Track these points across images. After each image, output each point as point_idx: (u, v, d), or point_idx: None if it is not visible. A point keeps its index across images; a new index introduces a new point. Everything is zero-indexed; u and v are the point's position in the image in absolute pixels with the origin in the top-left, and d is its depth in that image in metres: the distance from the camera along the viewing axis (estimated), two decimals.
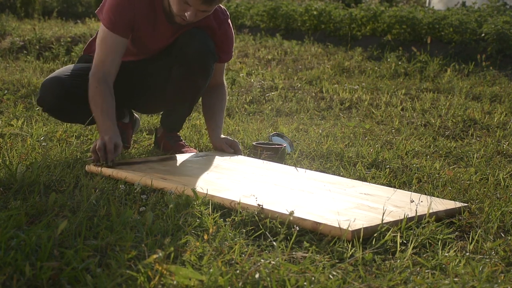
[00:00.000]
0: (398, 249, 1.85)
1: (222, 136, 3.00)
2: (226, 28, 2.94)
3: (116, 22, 2.72)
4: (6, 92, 4.42)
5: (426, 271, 1.72)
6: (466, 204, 2.28)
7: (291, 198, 2.23)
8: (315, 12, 9.11)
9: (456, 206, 2.23)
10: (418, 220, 2.07)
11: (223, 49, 2.96)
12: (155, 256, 1.54)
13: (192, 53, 2.81)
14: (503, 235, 2.05)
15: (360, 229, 1.89)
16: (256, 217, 2.00)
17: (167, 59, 2.91)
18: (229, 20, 2.96)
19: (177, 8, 2.64)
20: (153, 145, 3.20)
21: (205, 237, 1.79)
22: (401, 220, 2.01)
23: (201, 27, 2.85)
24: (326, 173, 2.71)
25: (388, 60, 6.74)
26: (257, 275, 1.56)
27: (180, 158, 2.80)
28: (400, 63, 6.59)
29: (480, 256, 1.84)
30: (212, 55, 2.87)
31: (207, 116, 3.06)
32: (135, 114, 3.31)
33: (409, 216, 2.05)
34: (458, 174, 2.82)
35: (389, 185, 2.62)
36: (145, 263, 1.56)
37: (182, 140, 3.12)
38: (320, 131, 3.69)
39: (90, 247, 1.69)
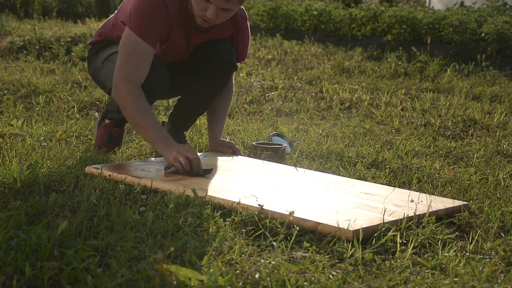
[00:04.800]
0: (398, 249, 1.85)
1: (222, 138, 3.00)
2: (245, 31, 2.92)
3: (149, 30, 2.60)
4: (6, 92, 4.42)
5: (426, 271, 1.72)
6: (466, 203, 2.28)
7: (291, 198, 2.23)
8: (315, 12, 9.11)
9: (456, 205, 2.23)
10: (418, 219, 2.07)
11: (240, 52, 2.95)
12: (155, 256, 1.54)
13: (219, 65, 2.81)
14: (503, 235, 2.05)
15: (361, 228, 1.89)
16: (256, 217, 2.00)
17: (190, 63, 2.87)
18: (247, 22, 2.93)
19: (197, 7, 2.57)
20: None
21: (205, 237, 1.79)
22: (401, 220, 2.01)
23: (221, 37, 2.84)
24: (326, 173, 2.71)
25: (388, 60, 6.74)
26: (257, 275, 1.56)
27: None
28: (400, 63, 6.59)
29: (480, 256, 1.84)
30: (235, 67, 2.88)
31: (209, 115, 3.05)
32: None
33: (409, 215, 2.05)
34: (458, 174, 2.82)
35: (389, 185, 2.62)
36: (145, 263, 1.56)
37: (187, 141, 3.13)
38: (320, 131, 3.69)
39: (90, 247, 1.69)
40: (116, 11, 2.90)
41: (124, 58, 2.61)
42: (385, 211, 2.05)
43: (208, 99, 2.96)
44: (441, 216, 2.17)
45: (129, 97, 2.58)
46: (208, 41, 2.82)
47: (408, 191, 2.40)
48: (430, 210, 2.12)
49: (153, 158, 2.80)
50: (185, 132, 3.21)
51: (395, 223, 2.00)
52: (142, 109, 2.57)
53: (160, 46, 2.75)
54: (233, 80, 3.12)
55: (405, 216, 2.03)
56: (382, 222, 1.97)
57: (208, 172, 2.50)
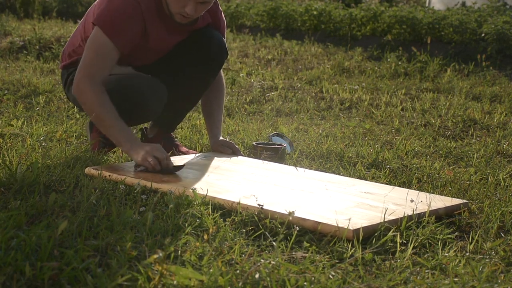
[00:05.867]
0: (398, 249, 1.85)
1: (221, 138, 2.98)
2: (220, 17, 2.92)
3: (121, 31, 2.57)
4: (6, 92, 4.42)
5: (426, 271, 1.72)
6: (466, 201, 2.28)
7: (291, 198, 2.24)
8: (315, 12, 9.11)
9: (455, 203, 2.23)
10: (418, 218, 2.07)
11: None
12: (155, 256, 1.54)
13: (213, 53, 2.81)
14: (503, 235, 2.05)
15: (361, 228, 1.89)
16: (256, 217, 2.00)
17: (173, 62, 2.86)
18: (220, 7, 2.92)
19: (175, 5, 2.57)
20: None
21: (205, 237, 1.79)
22: (401, 219, 2.01)
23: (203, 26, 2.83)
24: (326, 173, 2.71)
25: (388, 60, 6.74)
26: (257, 275, 1.56)
27: (180, 159, 2.80)
28: (400, 63, 6.59)
29: (480, 256, 1.84)
30: (226, 54, 2.89)
31: (206, 116, 3.03)
32: None
33: (409, 214, 2.05)
34: (458, 174, 2.82)
35: (389, 185, 2.62)
36: (145, 263, 1.56)
37: (176, 140, 3.10)
38: (320, 131, 3.69)
39: (90, 247, 1.69)
40: (79, 26, 2.82)
41: (90, 57, 2.57)
42: (386, 210, 2.05)
43: (199, 91, 2.94)
44: (441, 215, 2.17)
45: (93, 97, 2.55)
46: (194, 32, 2.81)
47: (407, 190, 2.40)
48: (430, 209, 2.12)
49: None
50: (184, 133, 3.21)
51: (395, 222, 2.00)
52: (107, 108, 2.54)
53: (141, 49, 2.71)
54: (222, 74, 3.10)
55: (405, 215, 2.03)
56: (382, 221, 1.97)
57: (178, 169, 2.50)
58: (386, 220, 1.98)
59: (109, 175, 2.42)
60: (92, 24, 2.62)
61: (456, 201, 2.26)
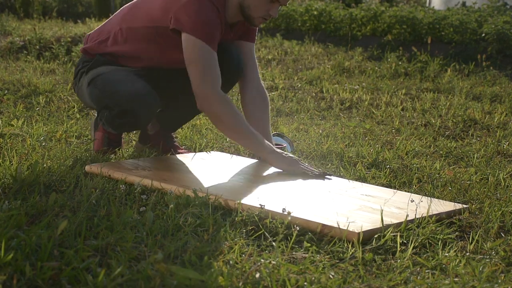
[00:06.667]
0: (398, 249, 1.85)
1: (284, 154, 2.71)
2: None
3: (215, 40, 2.58)
4: (6, 92, 4.42)
5: (426, 271, 1.72)
6: (466, 206, 2.28)
7: (292, 199, 2.23)
8: (315, 12, 9.11)
9: (456, 208, 2.23)
10: (420, 222, 2.07)
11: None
12: (155, 256, 1.54)
13: (232, 71, 2.78)
14: (503, 235, 2.05)
15: (366, 231, 1.89)
16: (256, 217, 1.99)
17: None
18: None
19: (261, 9, 2.60)
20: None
21: (205, 237, 1.79)
22: (404, 223, 2.01)
23: None
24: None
25: (389, 60, 6.74)
26: (257, 275, 1.56)
27: (180, 159, 2.80)
28: (400, 63, 6.59)
29: (480, 256, 1.84)
30: (242, 74, 2.85)
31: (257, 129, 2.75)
32: None
33: (411, 218, 2.05)
34: (458, 174, 2.82)
35: (389, 185, 2.63)
36: (145, 263, 1.56)
37: (176, 141, 3.09)
38: (320, 131, 3.69)
39: (90, 247, 1.69)
40: (120, 17, 2.78)
41: (203, 70, 2.56)
42: (387, 214, 2.04)
43: None
44: (441, 219, 2.17)
45: (224, 108, 2.56)
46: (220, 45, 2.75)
47: (409, 194, 2.39)
48: (433, 213, 2.12)
49: (156, 158, 2.80)
50: (184, 133, 3.20)
51: (399, 225, 2.00)
52: (239, 119, 2.58)
53: None
54: (264, 88, 2.93)
55: (407, 218, 2.03)
56: (386, 224, 1.96)
57: (325, 175, 2.57)
58: (389, 223, 1.98)
59: (109, 174, 2.42)
60: (175, 31, 2.59)
61: (458, 205, 2.26)
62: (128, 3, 2.86)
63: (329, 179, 2.53)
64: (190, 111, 3.00)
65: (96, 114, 2.90)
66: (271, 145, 2.62)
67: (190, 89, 2.65)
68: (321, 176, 2.55)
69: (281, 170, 2.60)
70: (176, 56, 2.67)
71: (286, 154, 2.63)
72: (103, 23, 2.91)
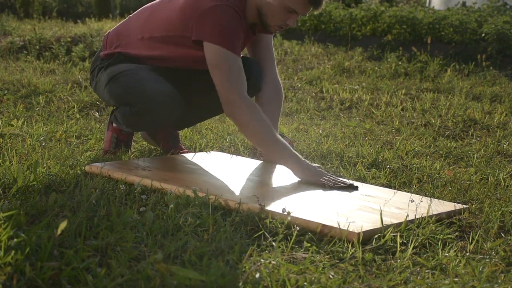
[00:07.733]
0: (398, 249, 1.85)
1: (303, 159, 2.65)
2: None
3: (237, 45, 2.58)
4: (6, 92, 4.42)
5: (426, 271, 1.72)
6: (466, 206, 2.28)
7: (292, 199, 2.23)
8: (315, 12, 9.11)
9: (456, 208, 2.23)
10: (420, 222, 2.07)
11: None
12: (155, 256, 1.54)
13: (251, 84, 2.76)
14: (503, 235, 2.05)
15: (366, 231, 1.89)
16: (256, 217, 1.99)
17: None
18: None
19: (278, 18, 2.59)
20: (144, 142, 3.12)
21: (205, 237, 1.79)
22: (405, 223, 2.01)
23: None
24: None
25: (388, 60, 6.74)
26: (257, 275, 1.56)
27: (180, 159, 2.80)
28: (400, 63, 6.59)
29: (480, 256, 1.84)
30: (260, 89, 2.87)
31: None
32: None
33: (412, 218, 2.05)
34: (458, 174, 2.82)
35: (389, 185, 2.63)
36: (145, 263, 1.56)
37: (180, 141, 3.09)
38: (320, 131, 3.69)
39: (90, 247, 1.69)
40: (139, 26, 2.77)
41: (228, 77, 2.55)
42: (387, 214, 2.04)
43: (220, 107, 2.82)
44: (441, 219, 2.17)
45: (251, 115, 2.54)
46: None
47: (409, 194, 2.39)
48: (433, 213, 2.12)
49: (156, 158, 2.80)
50: (184, 133, 3.19)
51: (399, 225, 2.00)
52: (266, 126, 2.54)
53: None
54: (281, 85, 2.97)
55: (408, 218, 2.03)
56: (386, 224, 1.96)
57: (350, 188, 2.44)
58: (389, 223, 1.98)
59: (109, 174, 2.42)
60: (195, 41, 2.59)
61: (458, 205, 2.26)
62: (146, 7, 2.82)
63: (357, 190, 2.42)
64: (203, 114, 3.00)
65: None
66: (298, 154, 2.54)
67: (206, 91, 2.65)
68: (349, 188, 2.42)
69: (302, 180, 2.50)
70: (201, 54, 2.64)
71: (312, 164, 2.54)
72: (120, 23, 2.88)
